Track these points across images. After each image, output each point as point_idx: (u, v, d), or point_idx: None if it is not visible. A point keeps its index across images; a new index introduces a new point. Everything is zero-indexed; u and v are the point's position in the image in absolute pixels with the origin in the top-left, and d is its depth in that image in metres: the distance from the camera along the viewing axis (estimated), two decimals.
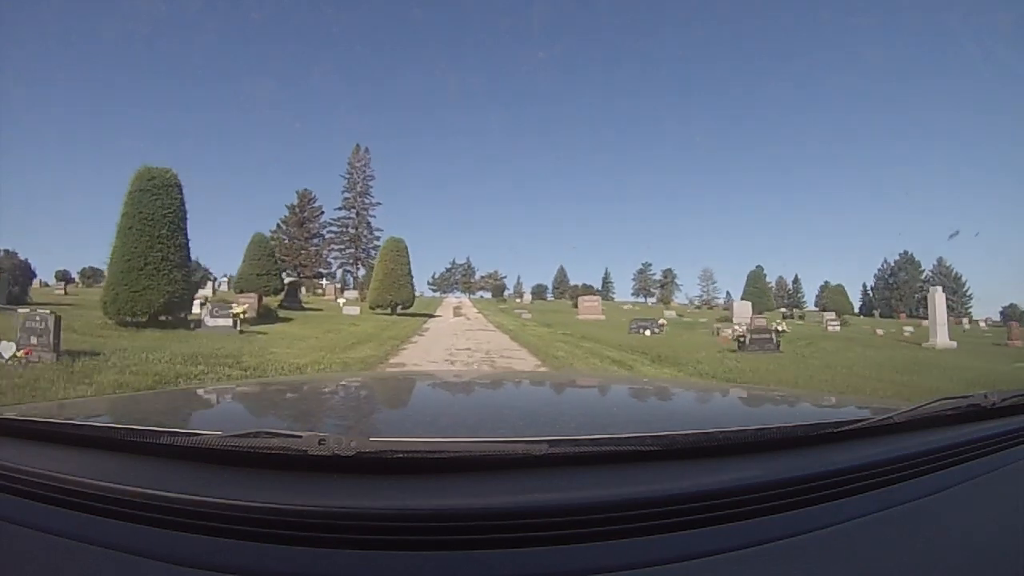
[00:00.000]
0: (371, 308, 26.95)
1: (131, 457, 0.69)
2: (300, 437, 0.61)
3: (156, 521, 0.57)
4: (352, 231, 73.99)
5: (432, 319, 27.35)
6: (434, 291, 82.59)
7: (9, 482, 0.66)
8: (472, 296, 75.23)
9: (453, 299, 59.49)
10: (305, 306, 27.29)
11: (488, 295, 77.49)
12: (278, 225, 68.77)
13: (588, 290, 65.36)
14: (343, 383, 1.74)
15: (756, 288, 50.06)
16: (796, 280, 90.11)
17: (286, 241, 66.05)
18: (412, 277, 28.55)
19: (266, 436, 0.62)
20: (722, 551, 0.54)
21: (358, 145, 72.52)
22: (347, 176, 72.20)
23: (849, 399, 1.89)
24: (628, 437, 0.68)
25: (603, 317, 28.24)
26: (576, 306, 42.92)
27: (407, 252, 28.83)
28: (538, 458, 0.62)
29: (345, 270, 73.30)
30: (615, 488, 0.60)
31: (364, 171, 71.90)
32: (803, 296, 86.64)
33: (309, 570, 0.51)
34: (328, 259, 72.83)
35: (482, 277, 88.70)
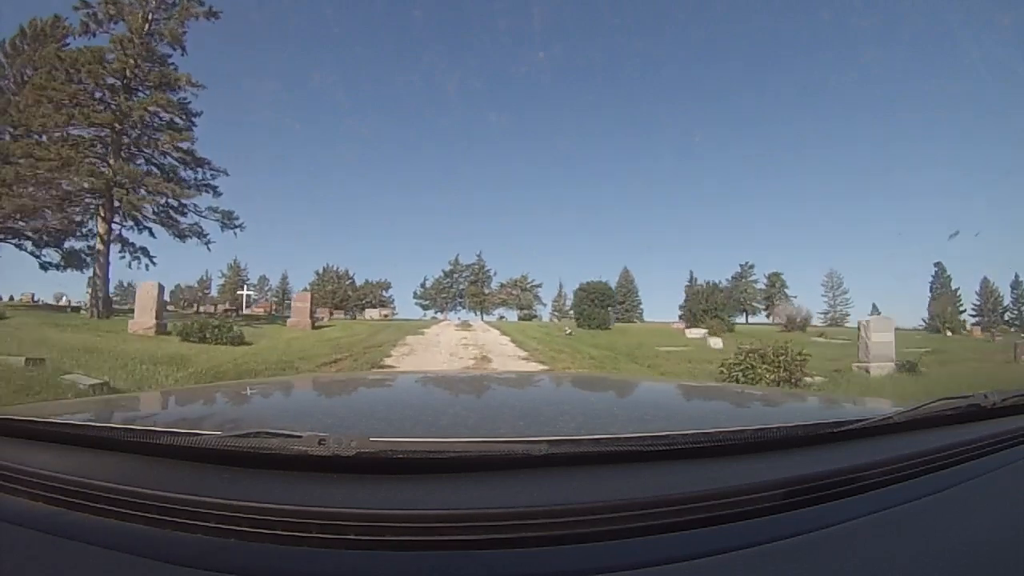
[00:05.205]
0: None
1: (131, 457, 0.69)
2: (300, 437, 0.61)
3: (156, 521, 0.57)
4: (110, 104, 19.90)
5: None
6: (424, 307, 55.70)
7: (9, 482, 0.66)
8: (487, 317, 47.24)
9: (452, 324, 28.69)
10: None
11: (513, 316, 48.81)
12: None
13: None
14: (343, 383, 1.74)
15: None
16: (1018, 283, 54.11)
17: None
18: None
19: (266, 436, 0.62)
20: (722, 551, 0.54)
21: None
22: None
23: (849, 399, 1.90)
24: (628, 437, 0.68)
25: None
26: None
27: None
28: (538, 458, 0.62)
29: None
30: (615, 488, 0.60)
31: None
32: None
33: (309, 570, 0.51)
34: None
35: (502, 285, 57.08)
